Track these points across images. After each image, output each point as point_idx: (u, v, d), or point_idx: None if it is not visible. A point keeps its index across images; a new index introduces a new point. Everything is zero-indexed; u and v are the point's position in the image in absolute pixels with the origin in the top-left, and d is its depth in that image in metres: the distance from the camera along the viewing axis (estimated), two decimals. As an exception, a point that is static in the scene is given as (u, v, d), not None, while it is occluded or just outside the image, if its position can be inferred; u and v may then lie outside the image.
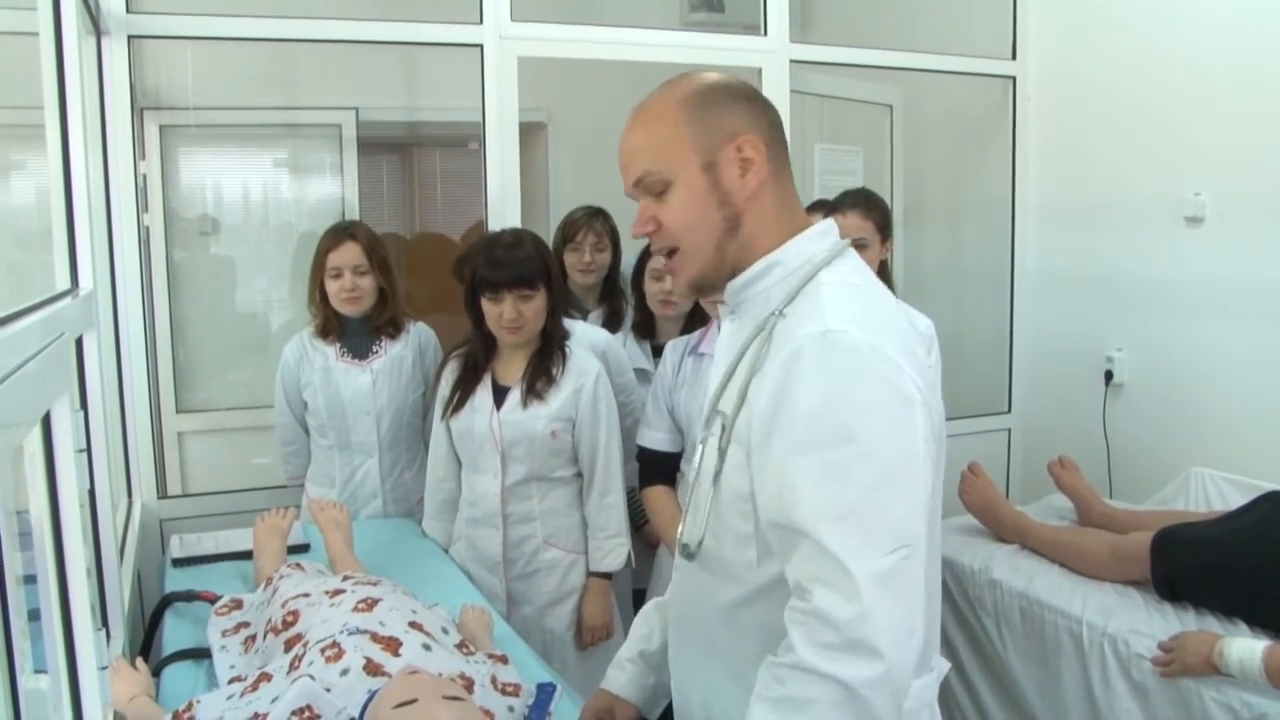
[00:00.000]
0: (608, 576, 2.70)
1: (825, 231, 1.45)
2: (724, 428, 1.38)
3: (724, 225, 1.39)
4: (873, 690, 1.17)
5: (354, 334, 3.04)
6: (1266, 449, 3.06)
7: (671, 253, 1.43)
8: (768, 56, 3.61)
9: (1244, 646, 2.32)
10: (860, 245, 2.79)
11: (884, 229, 2.85)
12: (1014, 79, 4.02)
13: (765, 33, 3.64)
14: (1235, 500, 2.99)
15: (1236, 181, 3.27)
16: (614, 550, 2.67)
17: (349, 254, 2.94)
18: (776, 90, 3.60)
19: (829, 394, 1.24)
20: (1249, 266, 3.22)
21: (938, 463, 1.35)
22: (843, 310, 1.30)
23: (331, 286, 2.96)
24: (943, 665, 1.52)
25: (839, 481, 1.21)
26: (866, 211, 2.82)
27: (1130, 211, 3.61)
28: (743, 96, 1.43)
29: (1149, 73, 3.53)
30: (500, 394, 2.66)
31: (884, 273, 2.92)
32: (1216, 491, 3.15)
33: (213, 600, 2.29)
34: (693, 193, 1.38)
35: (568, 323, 2.87)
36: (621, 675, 1.68)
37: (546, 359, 2.65)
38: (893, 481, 1.23)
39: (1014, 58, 4.02)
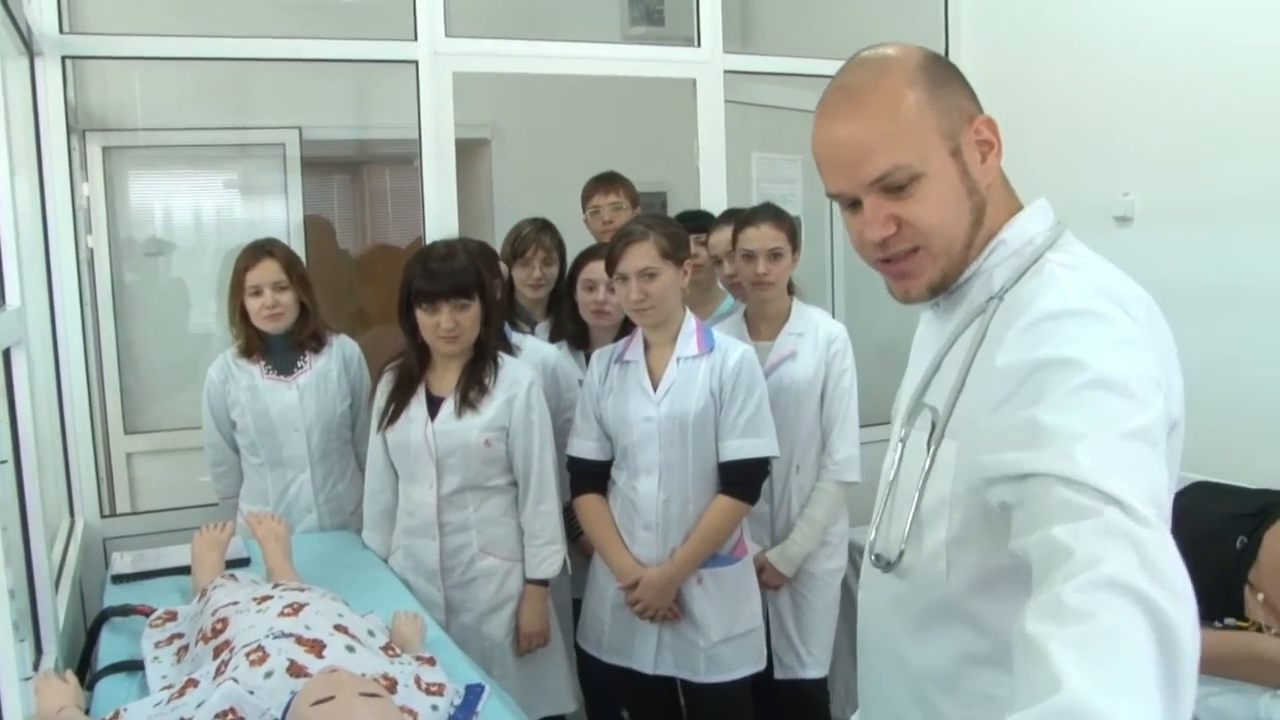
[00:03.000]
0: (544, 583, 2.71)
1: (1043, 211, 1.33)
2: (934, 423, 1.27)
3: (973, 217, 1.27)
4: (1189, 637, 0.89)
5: (278, 351, 3.04)
6: (1193, 441, 3.10)
7: (906, 253, 1.28)
8: (701, 68, 3.66)
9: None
10: (778, 254, 2.87)
11: (794, 239, 2.93)
12: (948, 85, 4.08)
13: (699, 44, 3.69)
14: (1166, 494, 3.04)
15: (1163, 182, 3.34)
16: (549, 558, 2.69)
17: (267, 271, 2.94)
18: (711, 101, 3.66)
19: (1079, 350, 1.09)
20: (1177, 265, 3.28)
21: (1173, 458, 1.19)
22: (1083, 288, 1.18)
23: (252, 304, 2.96)
24: None
25: (1106, 426, 1.04)
26: (779, 223, 2.90)
27: (1062, 211, 3.62)
28: (952, 69, 1.30)
29: (1078, 77, 3.60)
30: (435, 404, 2.68)
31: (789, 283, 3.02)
32: (1149, 486, 3.21)
33: (149, 614, 2.30)
34: (945, 184, 1.25)
35: (517, 338, 2.90)
36: None
37: (479, 369, 2.67)
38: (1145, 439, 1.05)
39: (947, 64, 4.09)
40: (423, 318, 2.61)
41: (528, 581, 2.70)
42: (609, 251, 2.65)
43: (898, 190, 1.23)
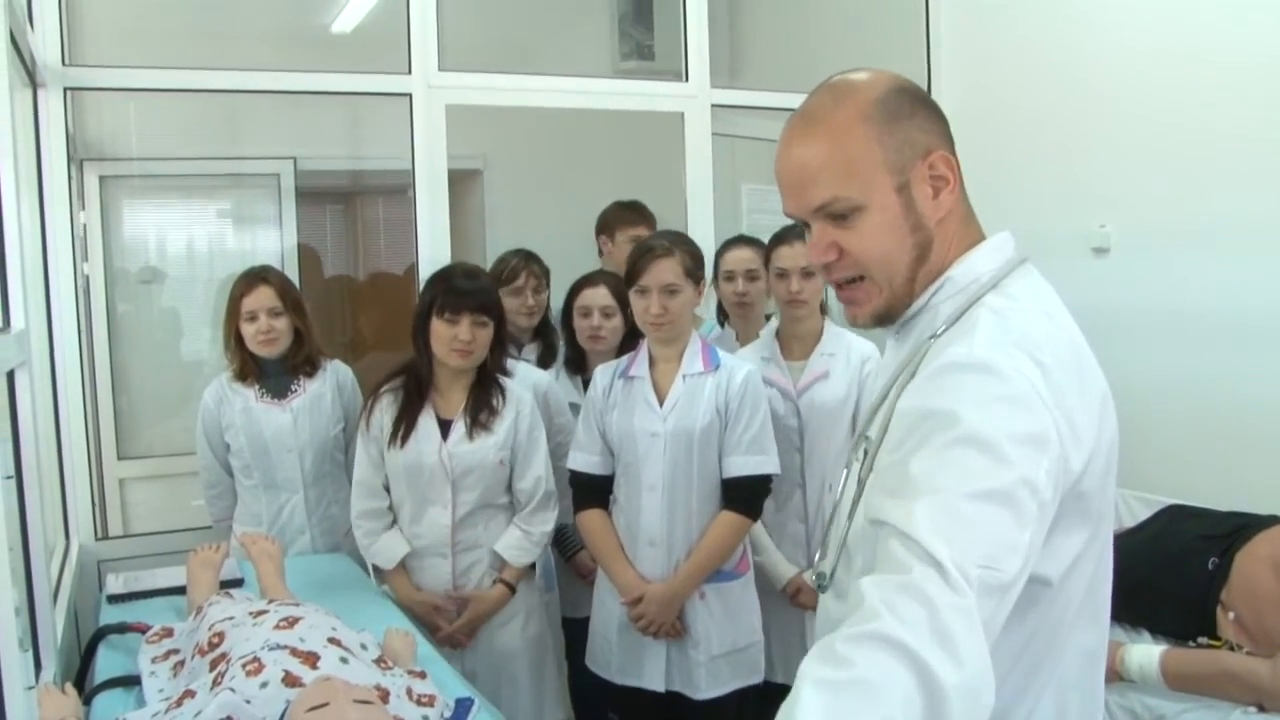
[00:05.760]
0: (512, 589, 2.77)
1: (999, 246, 1.31)
2: (866, 453, 1.27)
3: (916, 252, 1.27)
4: (960, 700, 0.92)
5: (272, 374, 3.10)
6: (1168, 465, 3.18)
7: (852, 280, 1.30)
8: (689, 102, 3.75)
9: (1143, 652, 2.43)
10: (810, 272, 2.81)
11: None
12: (929, 117, 4.16)
13: (687, 79, 3.78)
14: (1143, 515, 3.10)
15: (1138, 213, 3.43)
16: (528, 550, 2.78)
17: (263, 297, 3.01)
18: (698, 134, 3.74)
19: (960, 405, 1.10)
20: (1153, 294, 3.37)
21: (1093, 513, 1.20)
22: (994, 339, 1.17)
23: (247, 329, 3.02)
24: None
25: (954, 476, 1.06)
26: None
27: (1040, 243, 3.64)
28: (920, 101, 1.29)
29: (1056, 111, 3.69)
30: (443, 427, 2.73)
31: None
32: (1126, 508, 3.26)
33: (144, 631, 2.34)
34: (887, 219, 1.25)
35: (510, 363, 2.96)
36: None
37: (486, 391, 2.75)
38: (1001, 501, 1.06)
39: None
40: (440, 329, 2.66)
41: (500, 580, 2.76)
42: (630, 264, 2.67)
43: (840, 219, 1.26)
